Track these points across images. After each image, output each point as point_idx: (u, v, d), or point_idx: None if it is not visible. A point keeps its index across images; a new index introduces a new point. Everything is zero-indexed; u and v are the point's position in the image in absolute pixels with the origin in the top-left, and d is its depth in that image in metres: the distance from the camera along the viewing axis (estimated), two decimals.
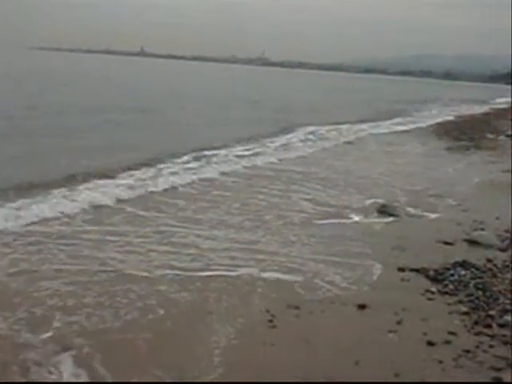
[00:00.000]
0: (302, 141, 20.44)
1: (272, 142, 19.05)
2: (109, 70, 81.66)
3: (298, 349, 5.17)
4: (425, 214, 10.23)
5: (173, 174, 12.61)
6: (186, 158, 14.64)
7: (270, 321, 5.64)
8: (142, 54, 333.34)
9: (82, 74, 63.06)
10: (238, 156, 15.69)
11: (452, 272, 7.12)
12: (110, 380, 4.50)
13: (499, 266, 7.44)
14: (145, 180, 11.71)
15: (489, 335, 5.46)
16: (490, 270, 7.28)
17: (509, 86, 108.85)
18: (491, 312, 5.94)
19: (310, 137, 21.68)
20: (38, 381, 4.44)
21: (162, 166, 13.35)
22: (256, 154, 16.35)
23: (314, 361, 4.96)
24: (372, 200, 11.06)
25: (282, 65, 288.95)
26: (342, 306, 6.12)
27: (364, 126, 27.22)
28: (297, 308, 5.97)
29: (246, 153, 16.45)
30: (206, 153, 15.57)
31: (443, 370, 4.85)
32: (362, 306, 6.09)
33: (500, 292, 6.46)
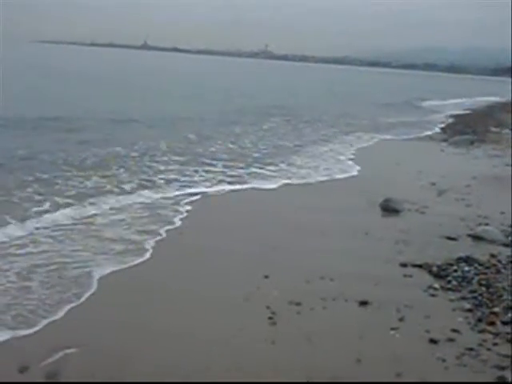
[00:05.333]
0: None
1: None
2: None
3: (299, 346, 5.10)
4: (428, 208, 10.11)
5: None
6: None
7: (271, 318, 5.57)
8: (146, 47, 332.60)
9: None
10: None
11: (455, 268, 7.04)
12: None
13: (503, 261, 7.34)
14: None
15: (493, 333, 5.38)
16: (494, 265, 7.18)
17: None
18: (495, 309, 5.86)
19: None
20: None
21: None
22: None
23: (315, 359, 4.89)
24: (374, 195, 10.98)
25: (285, 58, 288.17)
26: (344, 303, 6.04)
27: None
28: (298, 304, 5.90)
29: None
30: None
31: (446, 368, 4.77)
32: (363, 303, 6.01)
33: (504, 288, 6.36)
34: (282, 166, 14.03)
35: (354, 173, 13.57)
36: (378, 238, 8.37)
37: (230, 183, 11.79)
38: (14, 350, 4.83)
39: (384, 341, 5.27)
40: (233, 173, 12.78)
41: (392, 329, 5.46)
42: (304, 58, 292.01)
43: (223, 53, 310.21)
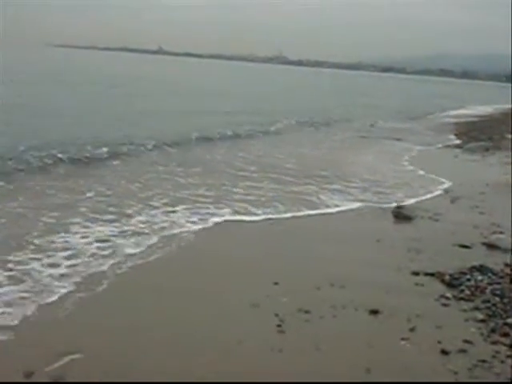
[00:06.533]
0: None
1: None
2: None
3: (307, 355, 5.00)
4: (441, 216, 9.97)
5: None
6: None
7: (279, 325, 5.49)
8: (160, 52, 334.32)
9: None
10: None
11: (468, 277, 6.90)
12: None
13: None
14: None
15: (506, 344, 5.24)
16: (509, 275, 7.03)
17: None
18: (509, 320, 5.72)
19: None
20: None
21: None
22: None
23: (324, 368, 4.79)
24: (386, 201, 10.88)
25: (300, 64, 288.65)
26: (354, 311, 5.94)
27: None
28: (307, 312, 5.81)
29: None
30: None
31: (457, 380, 4.66)
32: (374, 312, 5.91)
33: None
34: (357, 181, 12.63)
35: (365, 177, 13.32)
36: (389, 246, 8.26)
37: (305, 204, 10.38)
38: (18, 353, 4.79)
39: (394, 351, 5.16)
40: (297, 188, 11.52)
41: (402, 339, 5.35)
42: (318, 64, 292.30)
43: (236, 58, 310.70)
